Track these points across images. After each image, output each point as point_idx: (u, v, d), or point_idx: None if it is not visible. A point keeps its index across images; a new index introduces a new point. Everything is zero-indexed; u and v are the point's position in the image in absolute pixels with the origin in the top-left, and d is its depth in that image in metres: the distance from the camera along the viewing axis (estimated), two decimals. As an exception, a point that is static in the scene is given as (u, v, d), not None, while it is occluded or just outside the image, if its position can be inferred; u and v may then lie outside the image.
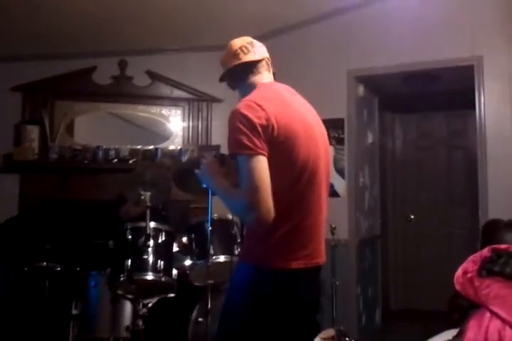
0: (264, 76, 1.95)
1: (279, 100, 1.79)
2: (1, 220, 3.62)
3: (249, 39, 1.99)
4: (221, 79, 2.02)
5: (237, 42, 1.97)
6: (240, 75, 1.94)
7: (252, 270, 1.76)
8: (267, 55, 2.00)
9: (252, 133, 1.65)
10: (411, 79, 4.63)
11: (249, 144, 1.64)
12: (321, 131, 1.94)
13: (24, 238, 3.61)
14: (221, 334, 1.83)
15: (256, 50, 1.95)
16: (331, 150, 1.89)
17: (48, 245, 3.24)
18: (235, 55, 1.93)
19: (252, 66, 1.93)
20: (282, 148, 1.71)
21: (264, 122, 1.66)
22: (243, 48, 1.94)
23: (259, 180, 1.62)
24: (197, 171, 1.96)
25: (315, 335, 1.85)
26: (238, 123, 1.67)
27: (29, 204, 4.35)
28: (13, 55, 4.48)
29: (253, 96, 1.78)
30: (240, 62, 1.92)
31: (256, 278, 1.74)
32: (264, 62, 1.96)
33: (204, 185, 2.02)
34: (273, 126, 1.68)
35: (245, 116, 1.67)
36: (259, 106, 1.69)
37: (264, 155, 1.65)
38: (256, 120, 1.66)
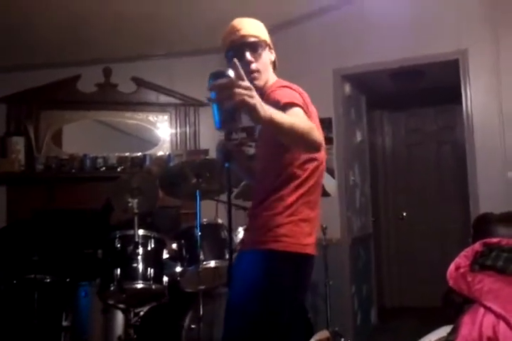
0: None
1: None
2: (-12, 233, 3.58)
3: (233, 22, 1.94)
4: None
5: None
6: None
7: (266, 256, 1.65)
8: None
9: None
10: (397, 77, 4.62)
11: None
12: None
13: (12, 250, 3.55)
14: (228, 331, 1.71)
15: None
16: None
17: (35, 257, 3.19)
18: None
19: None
20: None
21: None
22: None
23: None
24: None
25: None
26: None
27: (17, 215, 4.31)
28: (-5, 67, 4.44)
29: None
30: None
31: (273, 264, 1.64)
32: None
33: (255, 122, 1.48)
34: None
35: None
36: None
37: None
38: None
